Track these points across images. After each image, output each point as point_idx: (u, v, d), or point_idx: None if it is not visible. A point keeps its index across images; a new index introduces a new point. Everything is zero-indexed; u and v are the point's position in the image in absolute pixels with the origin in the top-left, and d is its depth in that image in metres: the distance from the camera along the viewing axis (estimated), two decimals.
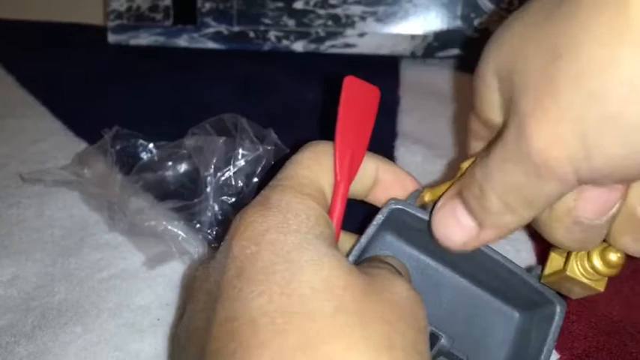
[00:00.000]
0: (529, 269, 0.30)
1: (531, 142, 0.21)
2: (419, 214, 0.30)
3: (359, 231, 0.31)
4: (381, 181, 0.31)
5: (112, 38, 0.72)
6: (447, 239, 0.27)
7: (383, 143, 0.55)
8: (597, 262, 0.26)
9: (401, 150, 0.54)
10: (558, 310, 0.30)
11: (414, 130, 0.58)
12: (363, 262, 0.29)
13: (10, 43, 0.76)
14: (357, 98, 0.31)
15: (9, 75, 0.68)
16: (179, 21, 0.71)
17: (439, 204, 0.28)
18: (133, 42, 0.71)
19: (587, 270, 0.27)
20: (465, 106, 0.64)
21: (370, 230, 0.30)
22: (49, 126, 0.59)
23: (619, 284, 0.39)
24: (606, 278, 0.27)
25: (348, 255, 0.29)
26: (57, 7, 0.80)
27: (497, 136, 0.24)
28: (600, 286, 0.27)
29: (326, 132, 0.56)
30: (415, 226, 0.30)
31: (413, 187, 0.31)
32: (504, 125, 0.24)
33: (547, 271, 0.29)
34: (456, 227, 0.27)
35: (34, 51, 0.74)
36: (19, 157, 0.54)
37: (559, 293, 0.30)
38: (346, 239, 0.31)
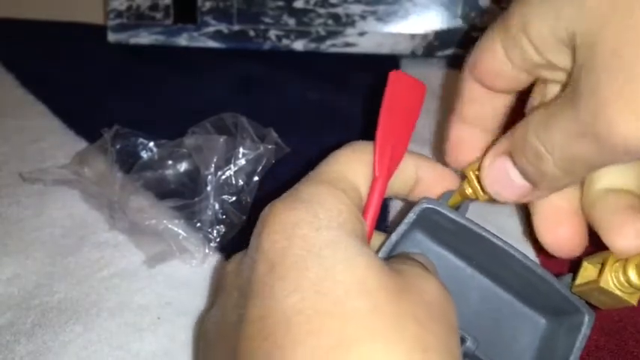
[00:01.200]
0: (559, 276, 0.30)
1: (614, 128, 0.21)
2: (450, 215, 0.29)
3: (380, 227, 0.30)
4: (422, 180, 0.31)
5: (111, 37, 0.71)
6: (500, 196, 0.27)
7: None
8: (633, 275, 0.26)
9: None
10: (587, 320, 0.29)
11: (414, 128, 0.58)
12: (391, 259, 0.28)
13: (9, 41, 0.76)
14: (401, 93, 0.30)
15: (8, 74, 0.68)
16: (179, 20, 0.71)
17: (487, 162, 0.28)
18: (133, 41, 0.71)
19: (622, 282, 0.26)
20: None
21: (401, 228, 0.29)
22: (48, 125, 0.59)
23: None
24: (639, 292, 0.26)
25: (377, 252, 0.29)
26: (57, 6, 0.80)
27: (556, 101, 0.23)
28: (633, 300, 0.26)
29: (328, 131, 0.56)
30: (446, 227, 0.30)
31: (455, 186, 0.31)
32: (570, 95, 0.22)
33: (579, 280, 0.28)
34: (509, 187, 0.27)
35: (33, 50, 0.74)
36: (18, 156, 0.54)
37: (588, 303, 0.29)
38: (375, 236, 0.30)
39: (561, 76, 0.27)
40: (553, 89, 0.28)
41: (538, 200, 0.29)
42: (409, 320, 0.22)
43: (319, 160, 0.54)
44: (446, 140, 0.32)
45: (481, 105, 0.30)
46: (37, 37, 0.77)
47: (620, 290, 0.26)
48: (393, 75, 0.30)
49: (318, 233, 0.23)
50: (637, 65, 0.20)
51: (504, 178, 0.27)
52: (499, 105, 0.30)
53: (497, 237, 0.30)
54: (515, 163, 0.26)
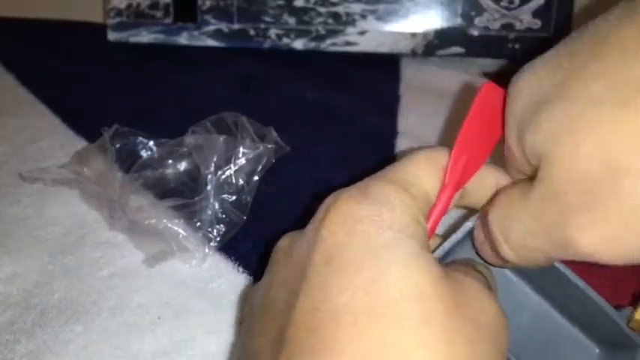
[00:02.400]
0: (618, 308, 0.29)
1: (578, 239, 0.21)
2: None
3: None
4: None
5: (111, 36, 0.71)
6: (490, 262, 0.28)
7: (383, 142, 0.55)
8: None
9: (401, 148, 0.54)
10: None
11: (414, 128, 0.57)
12: (457, 262, 0.28)
13: (9, 41, 0.76)
14: (489, 106, 0.28)
15: (9, 73, 0.68)
16: (179, 19, 0.71)
17: (476, 223, 0.28)
18: (133, 40, 0.71)
19: None
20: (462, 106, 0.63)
21: (455, 236, 0.29)
22: (48, 124, 0.59)
23: (617, 277, 0.39)
24: None
25: None
26: (57, 5, 0.80)
27: (518, 191, 0.24)
28: None
29: (327, 130, 0.56)
30: None
31: None
32: (533, 192, 0.23)
33: (638, 315, 0.28)
34: (488, 252, 0.27)
35: (33, 49, 0.74)
36: (18, 155, 0.54)
37: None
38: (430, 241, 0.30)
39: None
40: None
41: None
42: (460, 337, 0.21)
43: (317, 159, 0.54)
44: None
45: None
46: (37, 37, 0.77)
47: None
48: (485, 87, 0.29)
49: (378, 232, 0.23)
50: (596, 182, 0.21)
51: (483, 243, 0.27)
52: None
53: (569, 270, 0.29)
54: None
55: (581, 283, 0.29)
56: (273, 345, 0.23)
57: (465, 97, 0.64)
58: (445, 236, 0.29)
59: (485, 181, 0.28)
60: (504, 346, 0.23)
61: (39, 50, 0.74)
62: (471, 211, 0.30)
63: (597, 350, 0.31)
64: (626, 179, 0.20)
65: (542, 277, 0.30)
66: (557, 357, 0.31)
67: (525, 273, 0.32)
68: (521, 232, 0.24)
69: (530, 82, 0.24)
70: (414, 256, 0.22)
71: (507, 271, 0.32)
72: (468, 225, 0.29)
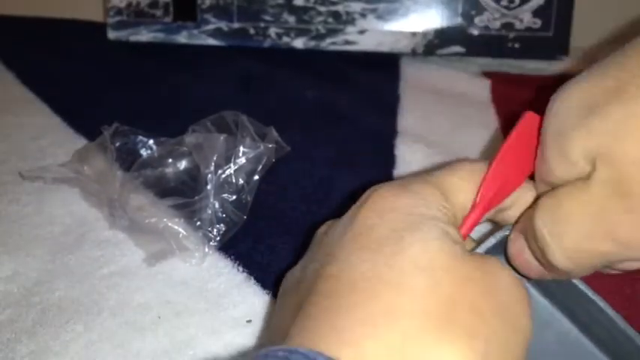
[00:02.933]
0: None
1: None
2: None
3: None
4: None
5: (111, 35, 0.71)
6: (522, 272, 0.28)
7: (383, 141, 0.55)
8: None
9: (401, 148, 0.54)
10: None
11: (414, 128, 0.58)
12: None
13: (10, 39, 0.76)
14: (529, 134, 0.29)
15: (9, 71, 0.68)
16: (179, 17, 0.71)
17: (511, 238, 0.28)
18: (133, 38, 0.71)
19: None
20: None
21: (489, 242, 0.29)
22: (48, 122, 0.59)
23: (620, 284, 0.39)
24: None
25: None
26: (57, 4, 0.80)
27: (569, 192, 0.24)
28: None
29: (327, 129, 0.56)
30: None
31: None
32: (592, 192, 0.23)
33: None
34: (526, 266, 0.27)
35: (34, 47, 0.74)
36: (18, 153, 0.54)
37: None
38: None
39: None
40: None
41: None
42: (465, 307, 0.22)
43: (317, 159, 0.53)
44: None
45: None
46: (38, 35, 0.77)
47: None
48: (527, 116, 0.29)
49: (407, 217, 0.24)
50: None
51: (521, 256, 0.27)
52: None
53: (583, 283, 0.29)
54: (528, 246, 0.27)
55: (610, 311, 0.28)
56: (295, 311, 0.24)
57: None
58: (479, 241, 0.29)
59: (522, 199, 0.29)
60: (523, 320, 0.24)
61: (39, 49, 0.74)
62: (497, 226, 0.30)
63: None
64: None
65: (567, 297, 0.30)
66: None
67: (552, 293, 0.31)
68: (578, 234, 0.24)
69: (575, 92, 0.25)
70: (433, 236, 0.24)
71: (532, 289, 0.32)
72: (502, 234, 0.29)
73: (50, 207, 0.47)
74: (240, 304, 0.37)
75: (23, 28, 0.79)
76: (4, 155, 0.54)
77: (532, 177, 0.29)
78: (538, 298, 0.32)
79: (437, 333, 0.21)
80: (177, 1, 0.70)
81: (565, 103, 0.25)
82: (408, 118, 0.59)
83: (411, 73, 0.68)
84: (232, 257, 0.41)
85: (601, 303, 0.28)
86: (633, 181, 0.22)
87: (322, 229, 0.29)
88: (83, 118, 0.58)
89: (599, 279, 0.39)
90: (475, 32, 0.70)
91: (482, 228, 0.36)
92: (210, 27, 0.70)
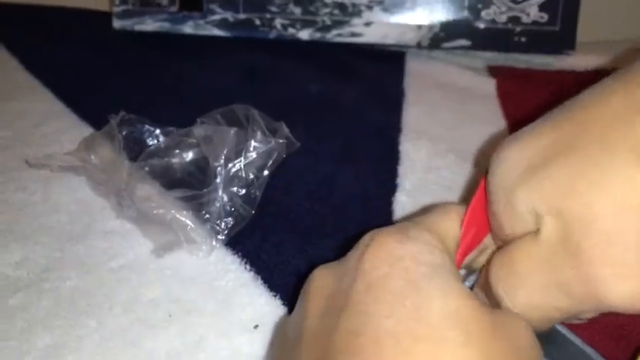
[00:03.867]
0: None
1: (608, 294, 0.22)
2: None
3: None
4: None
5: (117, 24, 0.71)
6: None
7: (387, 137, 0.55)
8: None
9: (405, 145, 0.53)
10: None
11: (418, 123, 0.57)
12: None
13: (14, 26, 0.76)
14: None
15: (13, 58, 0.68)
16: (185, 7, 0.70)
17: (474, 292, 0.29)
18: (138, 28, 0.71)
19: None
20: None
21: None
22: (52, 109, 0.59)
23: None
24: None
25: None
26: None
27: (520, 247, 0.25)
28: None
29: (332, 122, 0.56)
30: None
31: None
32: (541, 248, 0.24)
33: None
34: None
35: (38, 35, 0.74)
36: (23, 140, 0.54)
37: None
38: None
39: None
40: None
41: None
42: (497, 357, 0.22)
43: (324, 154, 0.53)
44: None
45: None
46: (42, 22, 0.76)
47: None
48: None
49: (418, 267, 0.24)
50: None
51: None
52: None
53: (566, 329, 0.30)
54: (488, 300, 0.27)
55: (586, 348, 0.29)
56: None
57: None
58: None
59: (489, 247, 0.30)
60: None
61: (44, 36, 0.73)
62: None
63: None
64: None
65: (552, 347, 0.30)
66: None
67: (549, 352, 0.31)
68: (531, 289, 0.24)
69: (515, 151, 0.25)
70: (453, 286, 0.24)
71: None
72: (467, 285, 0.29)
73: (57, 195, 0.47)
74: (248, 306, 0.37)
75: (29, 15, 0.79)
76: (8, 142, 0.54)
77: None
78: None
79: None
80: None
81: (506, 162, 0.26)
82: (412, 113, 0.59)
83: (416, 67, 0.68)
84: (240, 254, 0.41)
85: (587, 349, 0.29)
86: (580, 238, 0.22)
87: (318, 274, 0.28)
88: (87, 106, 0.58)
89: None
90: (481, 26, 0.70)
91: None
92: (216, 17, 0.70)
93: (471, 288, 0.30)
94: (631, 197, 0.21)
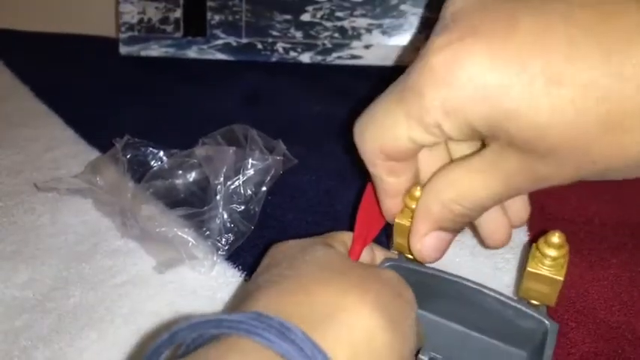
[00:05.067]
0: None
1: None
2: (411, 266, 0.34)
3: None
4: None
5: (123, 50, 0.73)
6: (434, 259, 0.33)
7: None
8: (545, 248, 0.30)
9: None
10: (549, 328, 0.31)
11: None
12: None
13: (25, 54, 0.78)
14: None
15: (24, 85, 0.70)
16: (189, 33, 0.72)
17: (418, 245, 0.33)
18: (144, 53, 0.73)
19: (543, 262, 0.30)
20: None
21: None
22: (62, 135, 0.61)
23: (617, 290, 0.40)
24: (564, 266, 0.30)
25: None
26: (70, 19, 0.82)
27: (469, 162, 0.29)
28: (560, 275, 0.30)
29: (333, 143, 0.57)
30: (411, 281, 0.32)
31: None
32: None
33: (522, 283, 0.32)
34: (443, 250, 0.33)
35: (48, 62, 0.76)
36: (33, 164, 0.56)
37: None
38: None
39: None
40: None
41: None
42: (355, 274, 0.29)
43: (324, 171, 0.54)
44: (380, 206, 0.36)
45: (399, 176, 0.33)
46: (52, 50, 0.79)
47: (545, 268, 0.30)
48: (369, 186, 0.36)
49: (314, 245, 0.32)
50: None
51: (441, 245, 0.32)
52: (414, 166, 0.33)
53: (459, 276, 0.33)
54: (443, 230, 0.32)
55: (480, 286, 0.32)
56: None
57: None
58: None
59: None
60: (407, 301, 0.30)
61: (53, 63, 0.76)
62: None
63: (525, 353, 0.34)
64: None
65: (456, 305, 0.34)
66: None
67: (441, 309, 0.35)
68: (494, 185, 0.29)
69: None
70: (323, 248, 0.31)
71: (425, 312, 0.35)
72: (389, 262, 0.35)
73: (64, 217, 0.48)
74: None
75: (38, 43, 0.81)
76: (19, 166, 0.56)
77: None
78: (433, 319, 0.36)
79: (335, 286, 0.27)
80: (188, 17, 0.72)
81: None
82: None
83: None
84: (239, 267, 0.42)
85: (472, 284, 0.32)
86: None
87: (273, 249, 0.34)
88: (95, 131, 0.60)
89: (598, 288, 0.40)
90: None
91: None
92: (220, 42, 0.72)
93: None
94: None
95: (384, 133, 0.30)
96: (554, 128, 0.24)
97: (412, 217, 0.32)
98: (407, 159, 0.31)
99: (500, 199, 0.29)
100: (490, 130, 0.26)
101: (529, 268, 0.30)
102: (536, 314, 0.31)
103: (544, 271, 0.30)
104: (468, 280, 0.32)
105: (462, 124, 0.27)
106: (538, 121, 0.24)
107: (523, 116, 0.25)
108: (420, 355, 0.33)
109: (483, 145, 0.29)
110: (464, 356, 0.34)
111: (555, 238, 0.30)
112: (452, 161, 0.32)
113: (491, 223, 0.34)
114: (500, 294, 0.32)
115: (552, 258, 0.30)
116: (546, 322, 0.31)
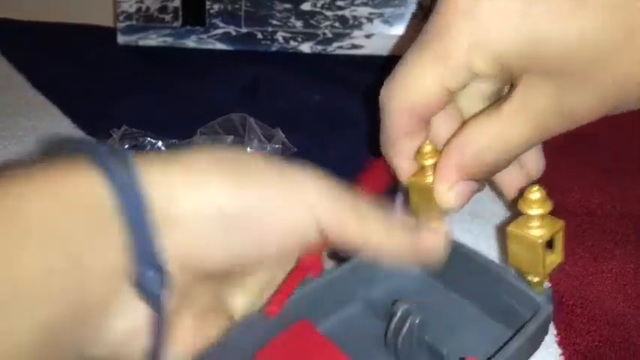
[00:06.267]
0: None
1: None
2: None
3: None
4: None
5: (121, 39, 0.73)
6: (459, 207, 0.32)
7: None
8: (525, 208, 0.28)
9: None
10: (541, 304, 0.30)
11: None
12: None
13: (21, 43, 0.78)
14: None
15: (20, 75, 0.69)
16: (188, 22, 0.72)
17: (448, 195, 0.31)
18: (142, 43, 0.72)
19: (525, 224, 0.28)
20: None
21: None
22: (59, 125, 0.60)
23: (622, 282, 0.39)
24: (550, 231, 0.28)
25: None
26: (67, 9, 0.82)
27: (496, 112, 0.28)
28: (541, 238, 0.28)
29: (333, 132, 0.57)
30: None
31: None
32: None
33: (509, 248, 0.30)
34: (468, 197, 0.32)
35: (45, 52, 0.75)
36: (30, 155, 0.55)
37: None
38: None
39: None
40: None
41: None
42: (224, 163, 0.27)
43: (323, 161, 0.54)
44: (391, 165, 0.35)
45: (419, 136, 0.33)
46: (48, 39, 0.78)
47: (526, 229, 0.28)
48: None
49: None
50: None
51: (469, 194, 0.32)
52: (429, 129, 0.33)
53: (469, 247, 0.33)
54: (472, 179, 0.31)
55: (483, 259, 0.32)
56: None
57: None
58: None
59: None
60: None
61: (50, 53, 0.75)
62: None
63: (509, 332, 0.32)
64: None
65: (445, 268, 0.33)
66: (469, 336, 0.33)
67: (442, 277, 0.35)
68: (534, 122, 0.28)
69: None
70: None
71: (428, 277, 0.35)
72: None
73: None
74: None
75: (35, 32, 0.80)
76: (16, 157, 0.55)
77: None
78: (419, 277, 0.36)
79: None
80: (187, 6, 0.71)
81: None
82: None
83: None
84: None
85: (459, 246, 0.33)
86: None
87: None
88: (93, 121, 0.59)
89: (602, 279, 0.39)
90: None
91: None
92: (219, 31, 0.71)
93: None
94: None
95: (412, 83, 0.30)
96: (582, 47, 0.25)
97: (427, 174, 0.32)
98: (433, 113, 0.31)
99: (531, 142, 0.29)
100: (519, 60, 0.26)
101: (508, 228, 0.29)
102: (532, 293, 0.30)
103: (523, 231, 0.28)
104: (476, 252, 0.33)
105: (491, 57, 0.27)
106: (567, 42, 0.25)
107: (553, 39, 0.25)
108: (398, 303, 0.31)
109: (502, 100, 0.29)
110: (448, 321, 0.33)
111: (532, 194, 0.28)
112: (474, 115, 0.31)
113: (507, 176, 0.34)
114: (504, 268, 0.32)
115: (534, 218, 0.28)
116: (538, 299, 0.30)
